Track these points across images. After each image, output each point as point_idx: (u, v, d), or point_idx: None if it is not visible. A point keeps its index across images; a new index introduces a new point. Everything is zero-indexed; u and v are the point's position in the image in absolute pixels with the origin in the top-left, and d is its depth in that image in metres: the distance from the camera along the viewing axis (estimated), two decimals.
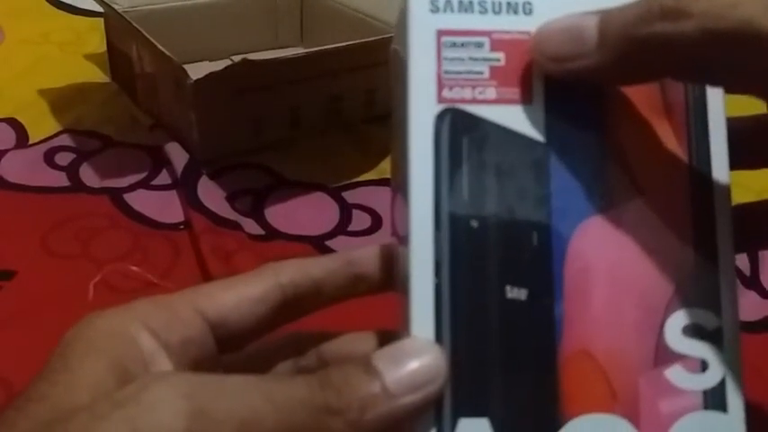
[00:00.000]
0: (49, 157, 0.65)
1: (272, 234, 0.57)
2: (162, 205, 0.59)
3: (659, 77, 0.27)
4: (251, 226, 0.57)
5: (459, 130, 0.26)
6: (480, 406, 0.25)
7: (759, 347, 0.49)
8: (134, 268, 0.52)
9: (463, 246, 0.26)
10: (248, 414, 0.22)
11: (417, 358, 0.24)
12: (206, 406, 0.22)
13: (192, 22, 0.75)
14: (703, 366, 0.26)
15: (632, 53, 0.24)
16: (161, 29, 0.66)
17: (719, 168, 0.27)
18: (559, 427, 0.26)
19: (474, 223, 0.26)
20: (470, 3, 0.27)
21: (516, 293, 0.26)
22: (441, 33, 0.27)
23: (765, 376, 0.45)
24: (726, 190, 0.27)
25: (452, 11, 0.27)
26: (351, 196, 0.62)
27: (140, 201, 0.60)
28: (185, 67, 0.60)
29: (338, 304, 0.31)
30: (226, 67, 0.58)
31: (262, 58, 0.63)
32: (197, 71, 0.59)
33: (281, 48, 0.80)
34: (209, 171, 0.62)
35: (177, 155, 0.63)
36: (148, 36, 0.61)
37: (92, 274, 0.52)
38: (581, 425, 0.26)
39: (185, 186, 0.60)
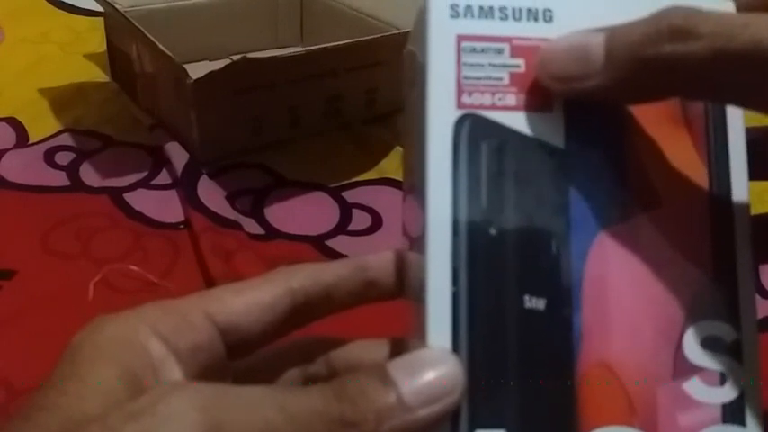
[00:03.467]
0: (49, 157, 0.65)
1: (272, 234, 0.57)
2: (162, 205, 0.59)
3: (668, 97, 0.27)
4: (251, 225, 0.58)
5: (478, 136, 0.26)
6: (497, 417, 0.25)
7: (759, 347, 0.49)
8: (134, 268, 0.52)
9: (481, 253, 0.25)
10: (264, 426, 0.22)
11: (435, 369, 0.24)
12: (222, 419, 0.22)
13: (193, 21, 0.75)
14: (722, 379, 0.26)
15: (640, 73, 0.24)
16: (161, 28, 0.66)
17: (739, 180, 0.27)
18: None
19: (492, 231, 0.26)
20: (491, 8, 0.27)
21: (535, 303, 0.25)
22: (461, 39, 0.27)
23: (765, 376, 0.45)
24: (745, 202, 0.27)
25: (473, 16, 0.27)
26: (351, 196, 0.62)
27: (140, 200, 0.60)
28: (185, 66, 0.60)
29: (349, 310, 0.30)
30: (225, 66, 0.58)
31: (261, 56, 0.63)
32: (197, 70, 0.59)
33: (281, 47, 0.80)
34: (209, 171, 0.62)
35: (177, 154, 0.63)
36: (149, 35, 0.61)
37: (92, 274, 0.52)
38: None
39: (185, 186, 0.60)
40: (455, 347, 0.25)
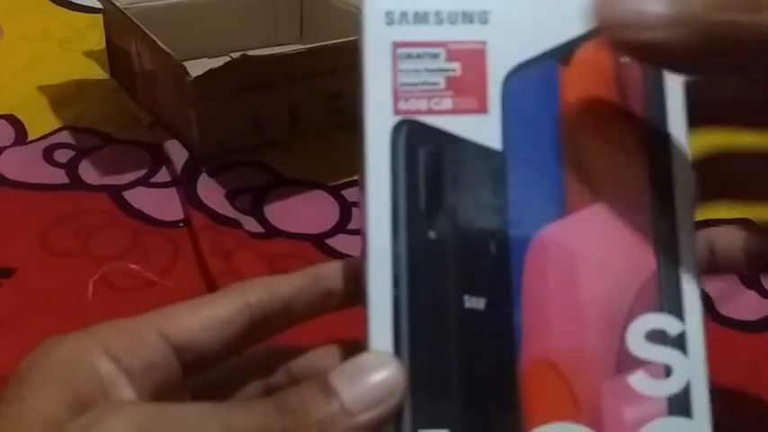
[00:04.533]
0: (48, 155, 0.65)
1: (271, 232, 0.57)
2: (161, 203, 0.59)
3: (728, 72, 0.26)
4: (251, 224, 0.57)
5: (415, 141, 0.27)
6: (441, 418, 0.25)
7: (758, 347, 0.49)
8: (133, 266, 0.52)
9: (421, 256, 0.26)
10: None
11: (375, 373, 0.24)
12: None
13: (192, 18, 0.75)
14: (667, 372, 0.26)
15: (705, 38, 0.22)
16: (161, 25, 0.65)
17: (681, 173, 0.27)
18: None
19: (432, 234, 0.26)
20: (426, 14, 0.27)
21: (475, 303, 0.26)
22: (396, 45, 0.27)
23: (764, 375, 0.45)
24: (687, 195, 0.27)
25: (408, 22, 0.27)
26: (350, 194, 0.62)
27: (140, 198, 0.60)
28: (185, 63, 0.60)
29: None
30: (225, 64, 0.58)
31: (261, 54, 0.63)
32: (196, 68, 0.59)
33: (281, 45, 0.80)
34: (208, 169, 0.62)
35: (177, 152, 0.63)
36: (148, 32, 0.61)
37: (91, 272, 0.52)
38: None
39: (185, 184, 0.60)
40: (397, 350, 0.25)
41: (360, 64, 0.27)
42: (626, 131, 0.27)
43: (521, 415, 0.25)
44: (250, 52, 0.58)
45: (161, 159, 0.64)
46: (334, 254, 0.55)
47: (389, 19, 0.27)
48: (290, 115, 0.66)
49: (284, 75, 0.64)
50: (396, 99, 0.27)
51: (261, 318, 0.28)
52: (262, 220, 0.58)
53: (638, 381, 0.26)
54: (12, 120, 0.69)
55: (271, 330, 0.29)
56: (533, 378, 0.26)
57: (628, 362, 0.26)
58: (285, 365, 0.30)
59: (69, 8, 0.91)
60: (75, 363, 0.25)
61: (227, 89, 0.62)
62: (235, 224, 0.57)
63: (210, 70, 0.58)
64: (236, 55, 0.58)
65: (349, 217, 0.59)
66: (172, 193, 0.61)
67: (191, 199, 0.59)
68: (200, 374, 0.28)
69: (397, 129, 0.27)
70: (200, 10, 0.75)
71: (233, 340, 0.27)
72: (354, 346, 0.28)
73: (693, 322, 0.26)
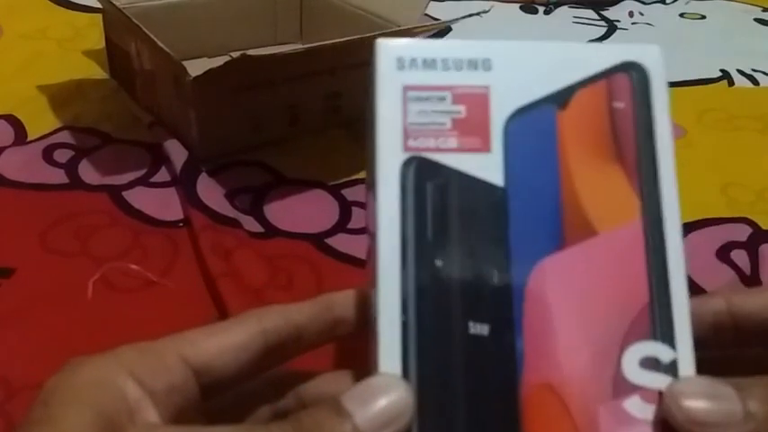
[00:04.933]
0: (47, 154, 0.65)
1: (271, 232, 0.57)
2: (161, 203, 0.59)
3: None
4: (250, 223, 0.57)
5: (423, 176, 0.29)
6: None
7: None
8: (133, 266, 0.52)
9: (428, 285, 0.27)
10: None
11: (385, 395, 0.25)
12: None
13: (192, 18, 0.74)
14: (661, 397, 0.27)
15: None
16: (160, 25, 0.65)
17: (670, 209, 0.29)
18: None
19: (438, 263, 0.28)
20: (434, 60, 0.30)
21: (479, 329, 0.27)
22: (407, 89, 0.30)
23: None
24: (677, 227, 0.29)
25: (417, 68, 0.30)
26: (350, 194, 0.62)
27: (139, 198, 0.60)
28: (184, 63, 0.59)
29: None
30: (225, 63, 0.58)
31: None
32: (196, 68, 0.59)
33: (281, 44, 0.80)
34: (208, 168, 0.62)
35: (176, 152, 0.63)
36: (148, 32, 0.61)
37: (91, 272, 0.52)
38: None
39: (184, 184, 0.60)
40: (405, 372, 0.27)
41: (371, 104, 0.30)
42: (619, 171, 0.29)
43: None
44: (250, 52, 0.58)
45: (161, 159, 0.64)
46: (334, 253, 0.55)
47: (401, 64, 0.30)
48: (290, 115, 0.66)
49: (284, 74, 0.64)
50: (406, 137, 0.29)
51: (275, 344, 0.29)
52: (261, 219, 0.58)
53: (633, 405, 0.27)
54: (11, 120, 0.69)
55: (284, 356, 0.30)
56: (534, 401, 0.27)
57: (623, 387, 0.27)
58: (294, 390, 0.31)
59: (69, 8, 0.91)
60: (102, 384, 0.25)
61: (226, 89, 0.62)
62: (234, 224, 0.57)
63: (210, 70, 0.58)
64: (235, 54, 0.58)
65: (349, 216, 0.59)
66: (171, 192, 0.61)
67: (190, 199, 0.58)
68: (216, 397, 0.28)
69: (406, 165, 0.29)
70: (199, 10, 0.75)
71: (248, 365, 0.28)
72: (360, 372, 0.29)
73: (684, 349, 0.28)
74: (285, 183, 0.63)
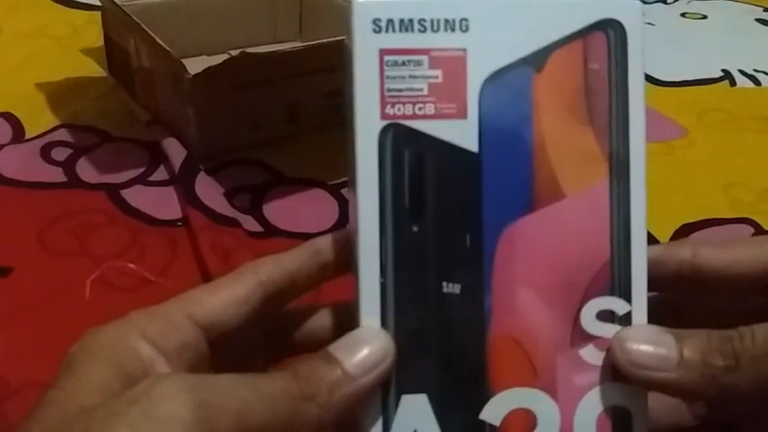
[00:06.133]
0: (45, 153, 0.64)
1: (270, 231, 0.57)
2: (159, 201, 0.59)
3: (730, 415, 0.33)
4: (249, 223, 0.57)
5: (400, 144, 0.29)
6: (420, 384, 0.29)
7: None
8: (131, 266, 0.52)
9: (405, 248, 0.29)
10: (242, 404, 0.26)
11: (369, 344, 0.28)
12: (207, 398, 0.25)
13: (191, 15, 0.74)
14: None
15: (706, 388, 0.29)
16: (159, 23, 0.65)
17: (636, 170, 0.30)
18: (487, 399, 0.30)
19: (414, 228, 0.29)
20: (411, 21, 0.29)
21: (451, 288, 0.30)
22: (383, 53, 0.29)
23: None
24: (641, 188, 0.30)
25: (394, 30, 0.29)
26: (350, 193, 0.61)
27: (137, 197, 0.60)
28: (183, 61, 0.59)
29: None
30: (224, 61, 0.58)
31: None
32: (195, 66, 0.59)
33: (280, 42, 0.80)
34: (206, 167, 0.62)
35: (175, 150, 0.63)
36: (147, 30, 0.61)
37: (89, 271, 0.51)
38: (506, 397, 0.30)
39: (183, 182, 0.60)
40: (384, 327, 0.29)
41: (348, 69, 0.30)
42: (590, 134, 0.30)
43: (487, 382, 0.30)
44: (249, 50, 0.58)
45: (159, 157, 0.64)
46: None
47: (377, 27, 0.29)
48: (290, 113, 0.66)
49: (283, 72, 0.64)
50: (383, 105, 0.29)
51: (272, 293, 0.31)
52: (261, 218, 0.58)
53: (588, 353, 0.30)
54: (9, 118, 0.69)
55: (281, 303, 0.32)
56: (499, 352, 0.30)
57: (580, 337, 0.30)
58: (288, 336, 0.33)
59: (67, 5, 0.90)
60: (118, 345, 0.28)
61: (225, 87, 0.62)
62: (233, 223, 0.56)
63: (209, 68, 0.58)
64: (234, 52, 0.58)
65: (348, 216, 0.59)
66: (170, 191, 0.60)
67: (189, 198, 0.58)
68: (224, 351, 0.30)
69: (384, 132, 0.29)
70: (199, 7, 0.75)
71: (250, 316, 0.30)
72: (343, 307, 0.32)
73: (639, 303, 0.30)
74: (285, 182, 0.62)
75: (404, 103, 0.29)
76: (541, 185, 0.30)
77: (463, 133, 0.30)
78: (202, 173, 0.61)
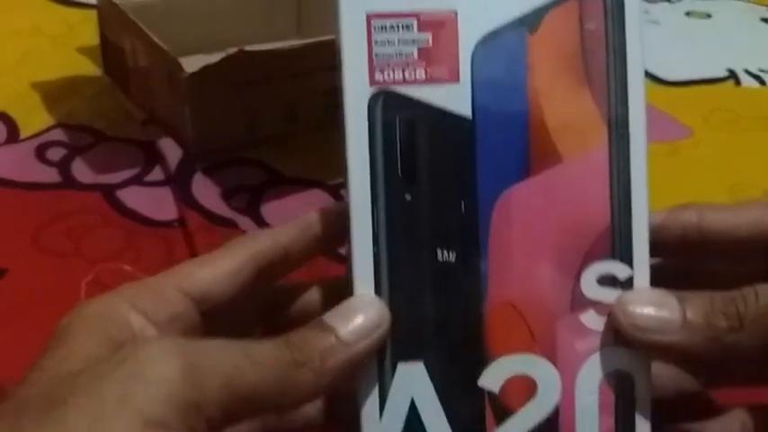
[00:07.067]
0: (40, 153, 0.64)
1: None
2: (155, 202, 0.59)
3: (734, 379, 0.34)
4: (247, 224, 0.57)
5: (391, 110, 0.29)
6: (415, 351, 0.29)
7: None
8: (127, 267, 0.52)
9: (398, 217, 0.29)
10: (233, 370, 0.26)
11: (363, 311, 0.28)
12: (197, 362, 0.25)
13: (187, 13, 0.74)
14: None
15: (710, 351, 0.29)
16: (155, 21, 0.65)
17: (636, 132, 0.30)
18: (485, 366, 0.29)
19: (407, 197, 0.29)
20: None
21: (446, 256, 0.29)
22: (370, 17, 0.29)
23: None
24: (642, 151, 0.30)
25: None
26: None
27: (133, 197, 0.59)
28: (180, 59, 0.59)
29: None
30: (221, 60, 0.58)
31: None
32: (191, 64, 0.59)
33: (278, 40, 0.79)
34: (203, 167, 0.62)
35: (171, 150, 0.63)
36: (143, 27, 0.61)
37: (84, 273, 0.51)
38: (504, 363, 0.29)
39: (179, 183, 0.60)
40: (378, 295, 0.29)
41: (336, 35, 0.29)
42: (589, 96, 0.30)
43: (485, 349, 0.29)
44: (246, 47, 0.58)
45: (155, 157, 0.63)
46: (334, 253, 0.55)
47: None
48: (288, 112, 0.66)
49: (282, 70, 0.63)
50: (371, 71, 0.29)
51: (264, 266, 0.31)
52: (258, 219, 0.58)
53: (588, 318, 0.30)
54: (3, 117, 0.68)
55: (273, 276, 0.32)
56: (496, 318, 0.30)
57: (581, 302, 0.30)
58: (282, 311, 0.34)
59: (63, 3, 0.90)
60: (108, 315, 0.28)
61: (222, 85, 0.61)
62: (230, 224, 0.56)
63: (206, 66, 0.58)
64: (232, 50, 0.58)
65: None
66: (166, 192, 0.60)
67: (185, 198, 0.58)
68: (216, 322, 0.30)
69: (373, 99, 0.29)
70: (195, 5, 0.74)
71: (242, 288, 0.31)
72: (337, 283, 0.32)
73: (641, 267, 0.30)
74: (283, 182, 0.62)
75: (393, 69, 0.29)
76: (538, 150, 0.30)
77: (455, 98, 0.29)
78: (199, 173, 0.61)
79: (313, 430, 0.33)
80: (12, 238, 0.55)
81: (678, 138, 0.70)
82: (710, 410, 0.34)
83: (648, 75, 0.80)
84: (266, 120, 0.65)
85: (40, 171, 0.62)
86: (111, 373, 0.25)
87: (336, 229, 0.32)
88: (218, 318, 0.30)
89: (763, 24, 0.94)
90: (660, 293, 0.29)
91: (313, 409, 0.33)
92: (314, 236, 0.32)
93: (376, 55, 0.29)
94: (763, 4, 0.99)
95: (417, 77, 0.29)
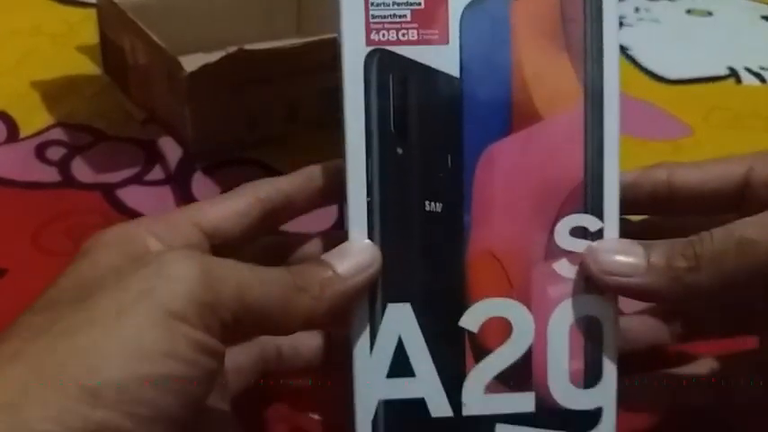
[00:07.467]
0: (40, 152, 0.64)
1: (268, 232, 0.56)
2: (155, 202, 0.59)
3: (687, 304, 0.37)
4: None
5: (385, 68, 0.31)
6: (404, 294, 0.32)
7: None
8: None
9: (390, 169, 0.32)
10: (242, 280, 0.28)
11: (358, 252, 0.31)
12: (212, 269, 0.28)
13: (187, 12, 0.74)
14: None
15: (673, 290, 0.31)
16: (155, 20, 0.65)
17: (610, 93, 0.32)
18: (465, 308, 0.32)
19: (399, 150, 0.32)
20: None
21: (433, 207, 0.32)
22: None
23: None
24: (615, 111, 0.32)
25: None
26: None
27: (133, 197, 0.59)
28: (180, 58, 0.59)
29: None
30: (221, 59, 0.58)
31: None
32: (191, 63, 0.59)
33: (278, 38, 0.79)
34: (203, 166, 0.62)
35: (171, 150, 0.63)
36: (143, 27, 0.61)
37: None
38: (483, 306, 0.32)
39: (179, 182, 0.60)
40: (371, 240, 0.32)
41: (334, 2, 0.32)
42: (567, 60, 0.32)
43: (466, 293, 0.32)
44: (246, 46, 0.57)
45: (155, 157, 0.63)
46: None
47: None
48: (289, 111, 0.66)
49: (282, 69, 0.63)
50: (368, 31, 0.31)
51: (269, 210, 0.34)
52: None
53: (561, 266, 0.33)
54: (3, 117, 0.68)
55: (278, 221, 0.35)
56: (478, 265, 0.32)
57: (554, 252, 0.33)
58: (283, 258, 0.36)
59: (62, 3, 0.90)
60: (127, 237, 0.31)
61: (222, 84, 0.61)
62: None
63: (205, 65, 0.58)
64: (232, 49, 0.57)
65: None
66: (166, 191, 0.60)
67: (185, 197, 0.58)
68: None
69: (369, 57, 0.31)
70: (195, 3, 0.74)
71: (249, 229, 0.33)
72: (335, 235, 0.35)
73: (611, 220, 0.33)
74: None
75: (388, 30, 0.31)
76: (519, 109, 0.32)
77: (445, 58, 0.32)
78: (199, 172, 0.61)
79: (311, 374, 0.37)
80: (12, 238, 0.54)
81: (679, 136, 0.70)
82: (681, 360, 0.38)
83: (649, 73, 0.80)
84: (266, 119, 0.65)
85: (39, 170, 0.61)
86: (136, 272, 0.27)
87: (335, 184, 0.34)
88: (226, 256, 0.32)
89: (765, 22, 0.94)
90: (627, 242, 0.32)
91: (311, 353, 0.36)
92: (315, 188, 0.35)
93: (372, 16, 0.31)
94: (764, 2, 0.98)
95: (410, 38, 0.32)
